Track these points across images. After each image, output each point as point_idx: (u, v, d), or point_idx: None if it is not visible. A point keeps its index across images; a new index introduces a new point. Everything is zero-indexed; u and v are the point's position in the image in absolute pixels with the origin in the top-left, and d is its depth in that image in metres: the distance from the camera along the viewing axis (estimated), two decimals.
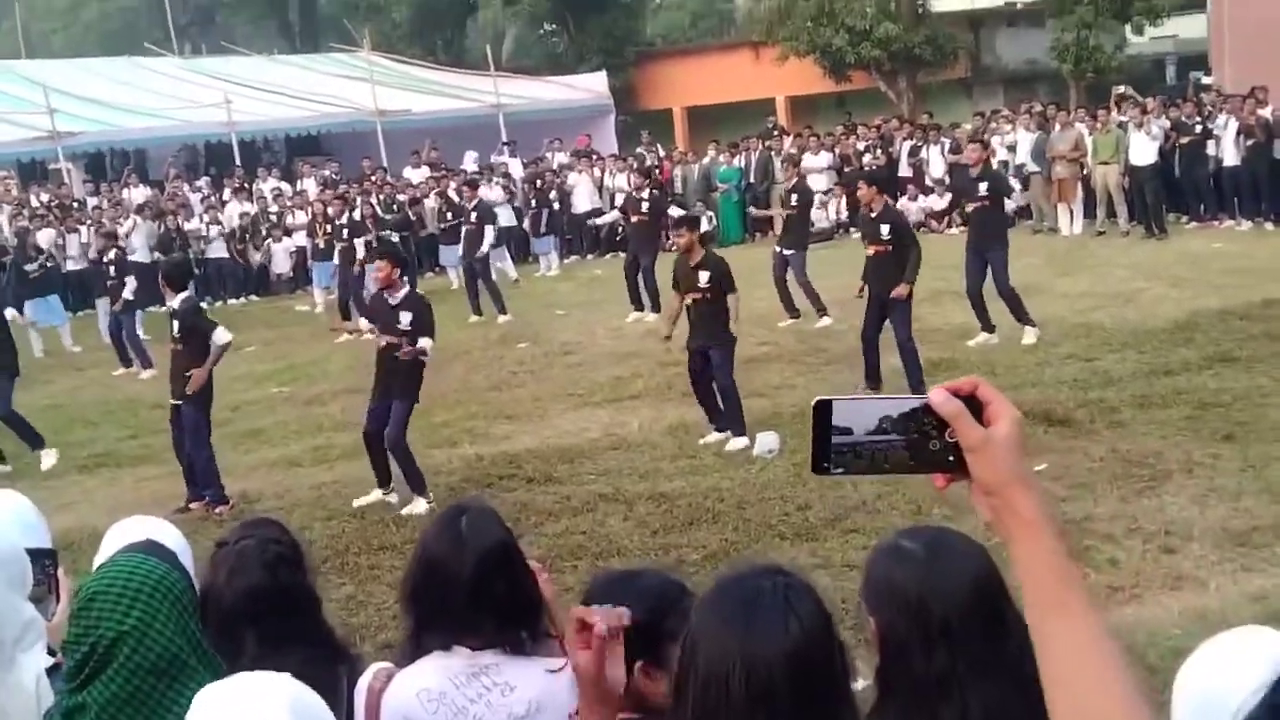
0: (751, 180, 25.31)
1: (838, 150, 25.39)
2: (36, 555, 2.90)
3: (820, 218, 24.25)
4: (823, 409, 1.47)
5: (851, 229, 23.88)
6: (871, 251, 11.64)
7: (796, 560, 7.04)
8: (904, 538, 2.50)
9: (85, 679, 2.35)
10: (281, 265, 23.74)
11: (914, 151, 24.49)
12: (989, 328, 13.11)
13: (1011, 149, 22.57)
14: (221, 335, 9.94)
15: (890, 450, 1.47)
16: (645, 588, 2.44)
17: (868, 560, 2.57)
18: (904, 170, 24.18)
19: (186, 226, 23.22)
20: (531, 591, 2.87)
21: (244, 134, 28.26)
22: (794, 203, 16.07)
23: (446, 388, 13.42)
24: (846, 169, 24.58)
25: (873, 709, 2.31)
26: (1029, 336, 12.86)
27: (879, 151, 24.77)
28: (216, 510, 9.53)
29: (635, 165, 23.02)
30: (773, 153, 25.14)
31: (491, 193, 23.32)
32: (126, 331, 16.50)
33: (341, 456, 11.02)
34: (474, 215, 18.62)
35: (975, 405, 1.47)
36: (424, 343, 9.40)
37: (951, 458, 1.47)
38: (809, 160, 24.22)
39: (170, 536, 3.12)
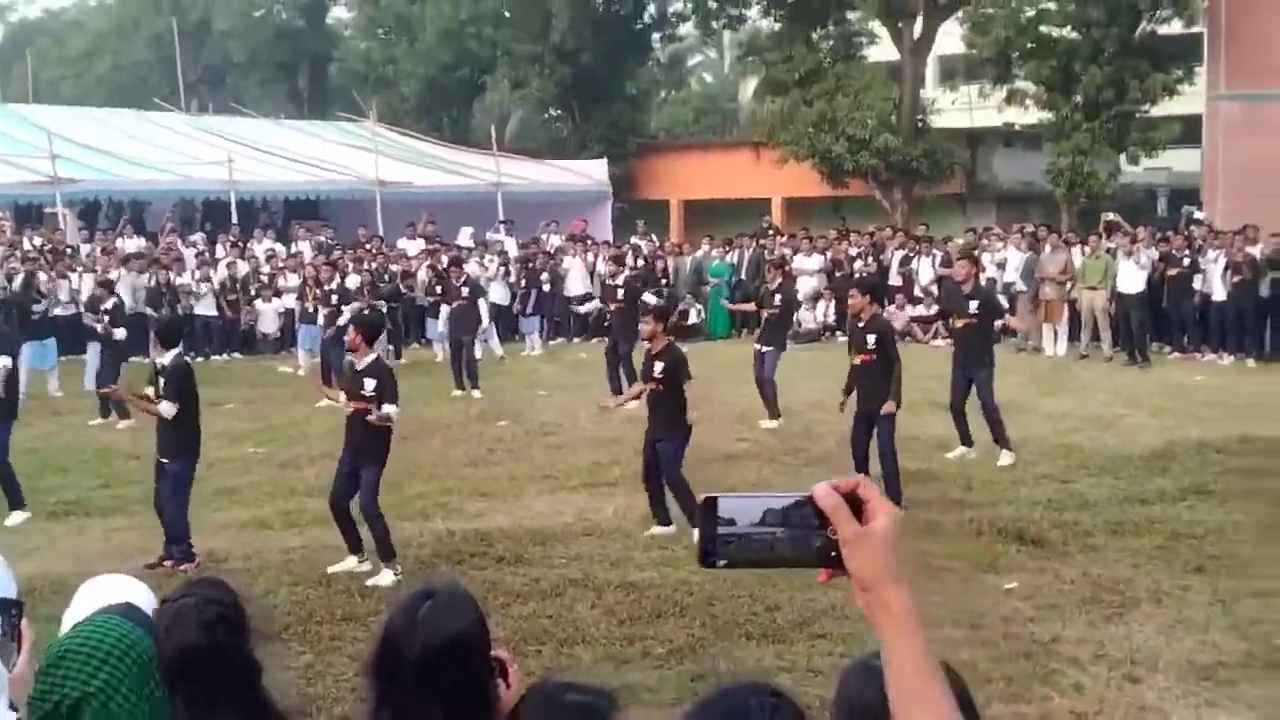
0: (742, 277, 25.53)
1: (830, 254, 25.66)
2: (2, 605, 2.88)
3: (809, 319, 24.47)
4: (709, 505, 1.53)
5: (839, 332, 24.10)
6: (858, 360, 11.73)
7: (762, 662, 7.02)
8: (878, 657, 2.48)
9: None
10: (269, 325, 23.74)
11: (905, 261, 24.76)
12: (968, 442, 13.19)
13: (1001, 266, 22.83)
14: (168, 409, 9.86)
15: (774, 543, 1.52)
16: (571, 705, 2.48)
17: (841, 675, 2.56)
18: (894, 279, 24.39)
19: (178, 281, 23.25)
20: (482, 690, 2.79)
21: (243, 193, 28.41)
22: (776, 303, 16.20)
23: (423, 460, 13.41)
24: (838, 273, 24.84)
25: None
26: (1005, 458, 12.94)
27: (870, 258, 25.01)
28: (182, 567, 9.45)
29: (610, 254, 23.24)
30: (765, 251, 25.38)
31: (485, 270, 23.51)
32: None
33: (313, 522, 10.95)
34: (465, 291, 18.75)
35: (856, 503, 1.53)
36: (388, 409, 9.46)
37: (833, 553, 1.52)
38: (801, 261, 24.50)
39: (142, 597, 3.11)
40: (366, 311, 16.84)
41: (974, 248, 22.10)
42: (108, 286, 17.95)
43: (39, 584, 7.82)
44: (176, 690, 2.86)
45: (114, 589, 3.09)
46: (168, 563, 9.63)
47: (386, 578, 9.20)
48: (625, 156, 36.31)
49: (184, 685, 2.86)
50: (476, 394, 17.76)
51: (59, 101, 37.94)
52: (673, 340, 11.32)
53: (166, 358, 10.06)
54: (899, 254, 25.01)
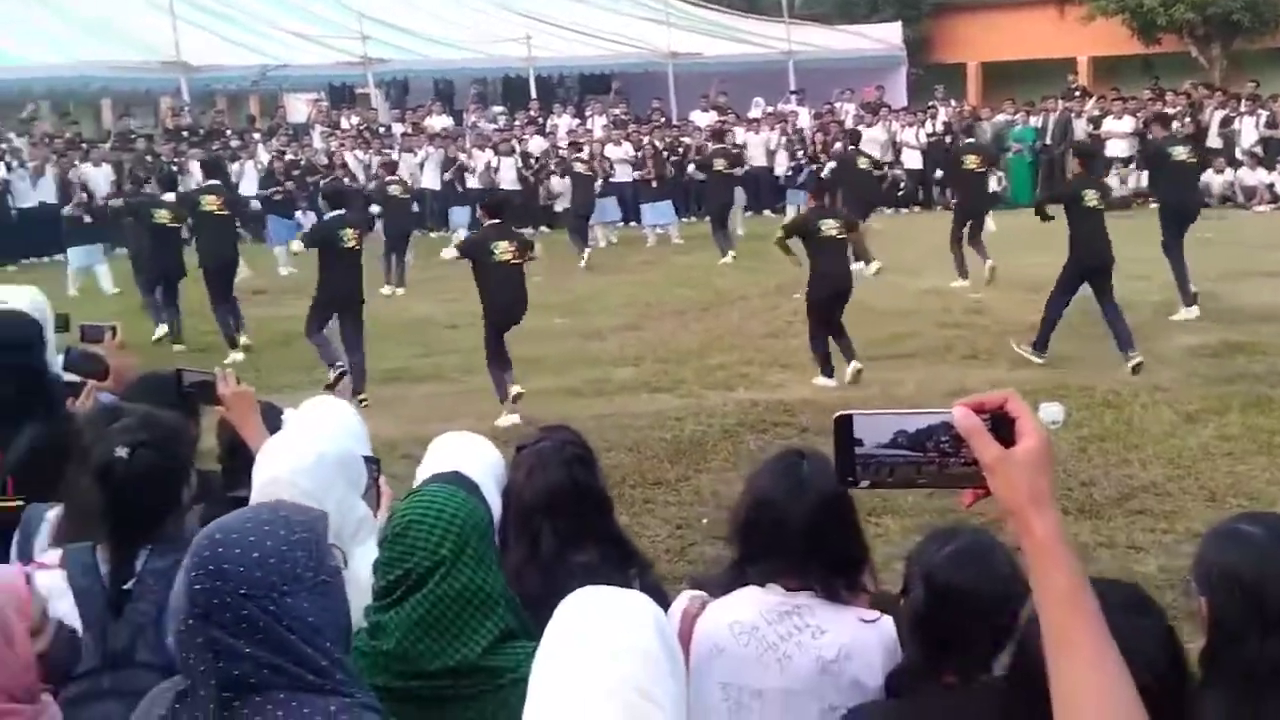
0: (1048, 142, 24.46)
1: (1142, 116, 24.25)
2: (366, 461, 3.13)
3: (1119, 185, 23.30)
4: (844, 423, 1.49)
5: (1151, 199, 22.85)
6: None
7: (1079, 537, 6.87)
8: (1243, 521, 2.45)
9: (393, 601, 2.50)
10: (566, 200, 24.17)
11: (1225, 122, 23.19)
12: None
13: None
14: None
15: (906, 465, 1.47)
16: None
17: (1203, 541, 2.51)
18: (1213, 141, 22.91)
19: (476, 157, 23.98)
20: (861, 545, 2.92)
21: (541, 70, 28.98)
22: None
23: (723, 331, 13.57)
24: (1149, 136, 23.48)
25: (1198, 688, 2.26)
26: None
27: (1187, 119, 23.50)
28: None
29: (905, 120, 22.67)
30: (1072, 114, 24.20)
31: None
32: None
33: (620, 389, 11.28)
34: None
35: (1005, 420, 1.46)
36: None
37: (974, 474, 1.46)
38: (1111, 124, 23.26)
39: (487, 455, 3.30)
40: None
41: None
42: (390, 168, 19.02)
43: (374, 444, 8.33)
44: (542, 527, 3.07)
45: (459, 444, 3.30)
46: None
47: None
48: (920, 19, 35.05)
49: (549, 522, 3.07)
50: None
51: None
52: None
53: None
54: (1219, 114, 23.42)
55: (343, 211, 11.92)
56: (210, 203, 13.86)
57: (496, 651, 2.48)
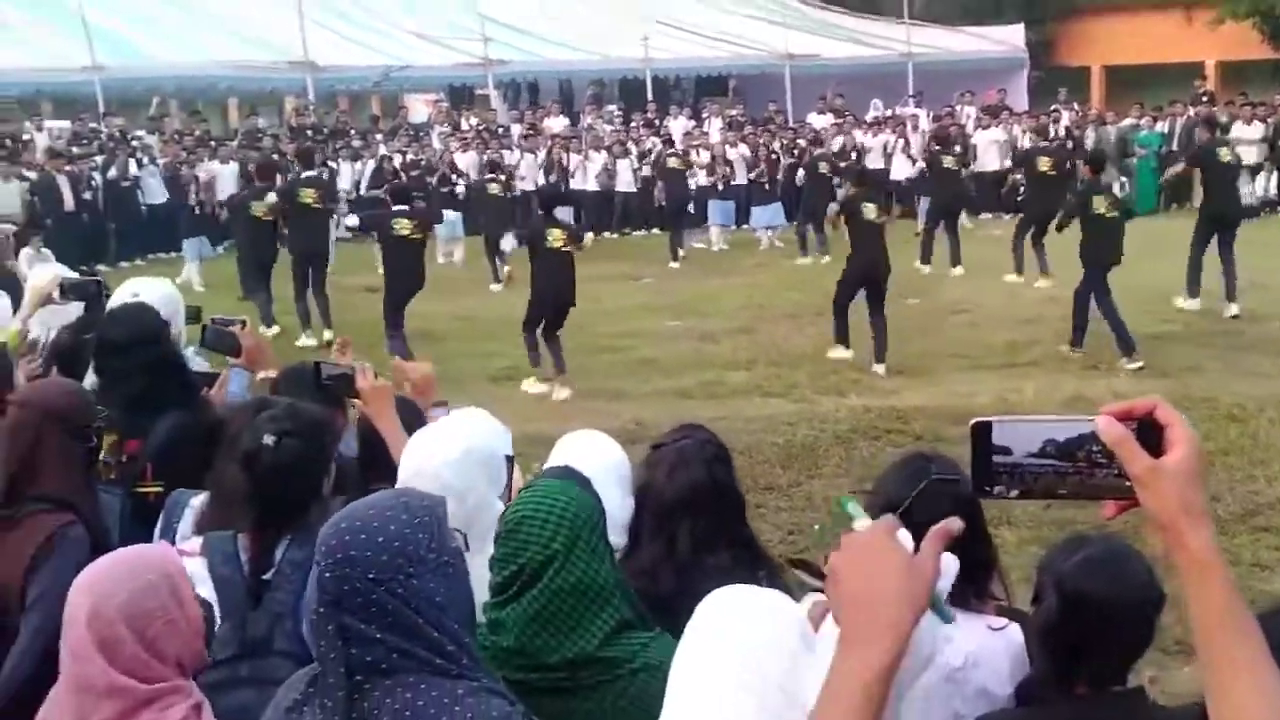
0: (1174, 148, 23.91)
1: (1272, 122, 23.60)
2: (507, 460, 3.19)
3: (1248, 194, 22.69)
4: (982, 430, 1.44)
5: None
6: None
7: None
8: None
9: (509, 596, 2.53)
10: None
11: None
12: None
13: None
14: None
15: (1054, 475, 1.41)
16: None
17: None
18: None
19: (594, 158, 24.13)
20: (990, 551, 2.91)
21: (658, 71, 29.07)
22: None
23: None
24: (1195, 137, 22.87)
25: None
26: None
27: None
28: None
29: (1030, 125, 22.44)
30: (1200, 119, 23.59)
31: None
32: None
33: (733, 393, 11.29)
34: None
35: (1154, 428, 1.39)
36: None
37: (1123, 487, 1.40)
38: (1240, 130, 22.68)
39: (610, 452, 3.34)
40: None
41: None
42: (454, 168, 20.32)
43: None
44: (680, 526, 3.08)
45: (585, 442, 3.34)
46: None
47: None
48: (1043, 21, 34.49)
49: (689, 520, 3.08)
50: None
51: None
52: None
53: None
54: None
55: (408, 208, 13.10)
56: (308, 195, 14.40)
57: (613, 643, 2.51)
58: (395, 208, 13.26)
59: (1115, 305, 11.95)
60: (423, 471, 2.84)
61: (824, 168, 20.09)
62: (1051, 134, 24.51)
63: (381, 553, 2.05)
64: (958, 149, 19.66)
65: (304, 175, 15.26)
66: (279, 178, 15.98)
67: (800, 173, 21.63)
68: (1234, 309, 13.71)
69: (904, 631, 1.44)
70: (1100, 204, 12.29)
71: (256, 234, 14.67)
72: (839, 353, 12.40)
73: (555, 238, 11.51)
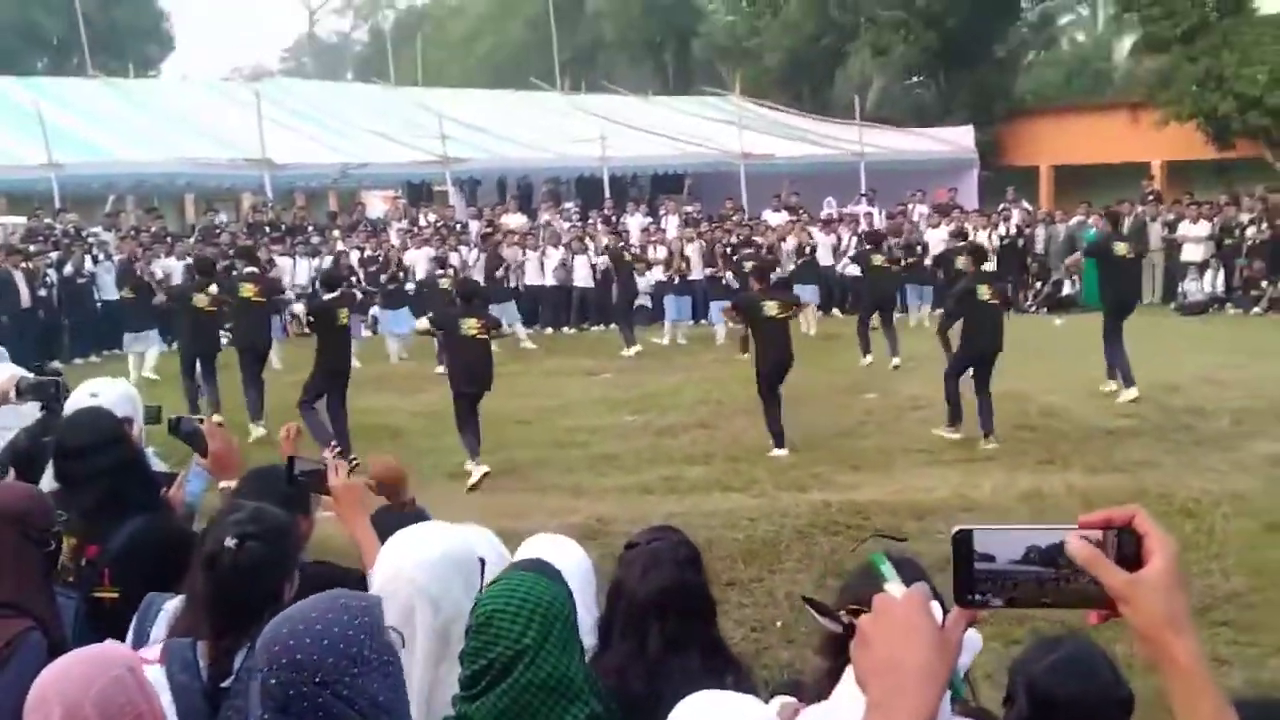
0: None
1: (1218, 221, 24.13)
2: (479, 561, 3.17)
3: (1195, 290, 23.17)
4: (963, 538, 1.42)
5: (1228, 304, 22.69)
6: None
7: None
8: None
9: (479, 691, 2.49)
10: (640, 297, 24.34)
11: None
12: None
13: None
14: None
15: (1037, 583, 1.40)
16: None
17: None
18: None
19: (551, 254, 24.29)
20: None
21: (615, 169, 29.40)
22: None
23: (793, 430, 13.52)
24: (1227, 240, 23.38)
25: None
26: None
27: (1264, 224, 23.35)
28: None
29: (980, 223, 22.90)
30: (1148, 219, 24.15)
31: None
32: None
33: (692, 489, 11.27)
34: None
35: (1134, 536, 1.38)
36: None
37: (1105, 595, 1.38)
38: (1187, 228, 23.18)
39: (573, 553, 3.33)
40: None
41: None
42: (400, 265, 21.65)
43: None
44: (650, 627, 3.06)
45: (547, 546, 3.32)
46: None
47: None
48: (992, 122, 35.21)
49: (659, 622, 3.06)
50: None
51: (443, 83, 40.21)
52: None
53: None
54: None
55: (338, 293, 13.68)
56: (248, 289, 14.80)
57: None
58: (327, 296, 13.84)
59: (990, 395, 12.80)
60: (400, 574, 2.83)
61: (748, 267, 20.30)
62: (1003, 231, 24.99)
63: (327, 655, 2.05)
64: (889, 245, 19.92)
65: (246, 270, 15.62)
66: (217, 271, 16.35)
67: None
68: (1130, 393, 14.23)
69: (934, 707, 1.40)
70: (985, 292, 13.00)
71: (197, 326, 14.91)
72: (778, 453, 12.60)
73: (469, 326, 12.16)
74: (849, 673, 1.74)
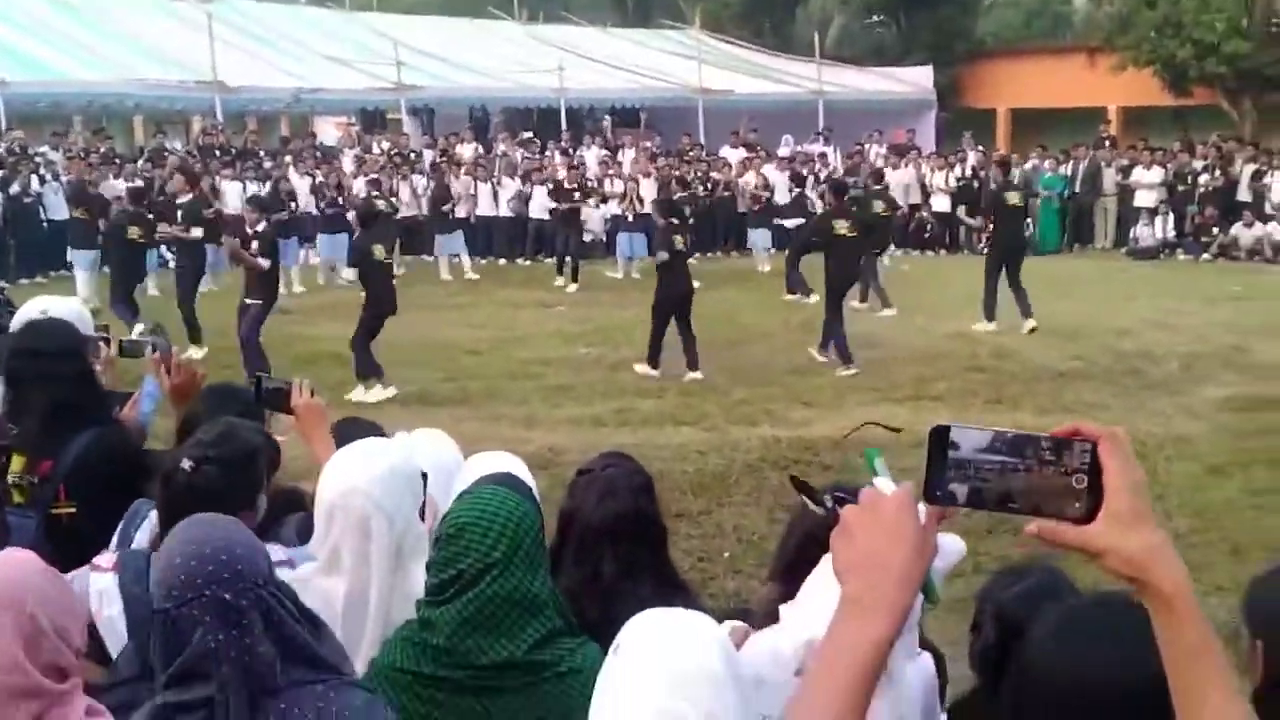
0: (1076, 190, 24.51)
1: (1171, 167, 24.28)
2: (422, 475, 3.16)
3: (1147, 235, 23.37)
4: (940, 433, 1.39)
5: (1179, 249, 22.91)
6: None
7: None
8: None
9: (444, 599, 2.55)
10: (596, 229, 24.17)
11: (1256, 176, 23.17)
12: None
13: None
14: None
15: (1003, 474, 1.37)
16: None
17: (1252, 584, 2.51)
18: (1243, 194, 22.92)
19: (508, 185, 24.11)
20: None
21: (572, 101, 29.12)
22: None
23: (748, 366, 13.59)
24: (1180, 188, 23.55)
25: None
26: None
27: (1217, 172, 23.53)
28: None
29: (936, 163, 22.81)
30: (1103, 163, 24.26)
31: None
32: None
33: (644, 421, 11.30)
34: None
35: (1098, 472, 1.36)
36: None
37: (1071, 502, 1.35)
38: (1140, 174, 23.32)
39: (520, 470, 3.33)
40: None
41: None
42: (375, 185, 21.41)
43: None
44: (604, 554, 3.07)
45: (495, 462, 3.31)
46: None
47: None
48: (951, 63, 35.16)
49: (612, 549, 3.07)
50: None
51: (399, 8, 39.54)
52: None
53: None
54: (1249, 168, 23.41)
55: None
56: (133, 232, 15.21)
57: (541, 648, 2.57)
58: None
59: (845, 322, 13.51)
60: (355, 489, 2.83)
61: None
62: (959, 173, 25.04)
63: (258, 559, 2.16)
64: (861, 186, 19.81)
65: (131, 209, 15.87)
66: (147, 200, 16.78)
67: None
68: (1030, 324, 15.02)
69: (908, 606, 1.40)
70: (841, 227, 13.54)
71: (126, 255, 15.28)
72: (644, 368, 13.27)
73: (379, 253, 12.69)
74: (823, 563, 1.73)
